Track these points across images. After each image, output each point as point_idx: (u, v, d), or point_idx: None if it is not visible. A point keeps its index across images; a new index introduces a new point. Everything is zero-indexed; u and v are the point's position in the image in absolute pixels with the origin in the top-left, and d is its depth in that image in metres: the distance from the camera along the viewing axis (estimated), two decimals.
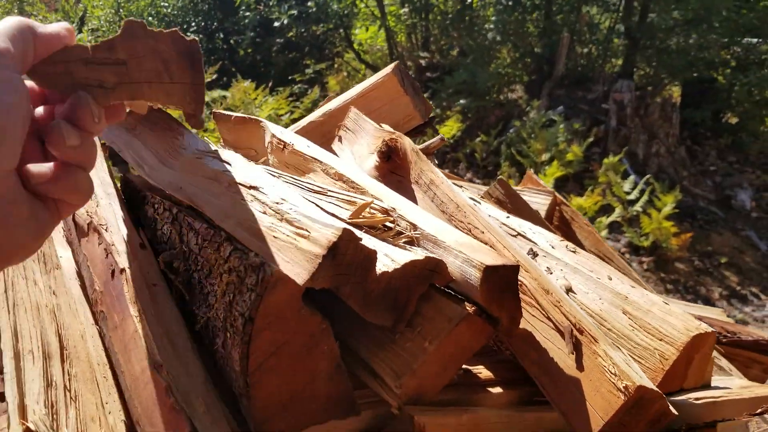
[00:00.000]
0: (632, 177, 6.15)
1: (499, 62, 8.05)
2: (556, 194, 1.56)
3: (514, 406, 0.90)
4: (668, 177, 6.84)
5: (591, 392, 0.80)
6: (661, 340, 0.90)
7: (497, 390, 0.94)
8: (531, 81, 8.48)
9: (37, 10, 8.39)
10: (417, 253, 0.84)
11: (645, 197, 5.78)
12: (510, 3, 7.71)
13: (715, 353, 1.43)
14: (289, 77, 8.28)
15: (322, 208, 0.89)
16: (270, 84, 7.04)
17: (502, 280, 0.84)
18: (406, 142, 1.13)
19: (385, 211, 0.92)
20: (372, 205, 0.92)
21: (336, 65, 9.46)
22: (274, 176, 0.99)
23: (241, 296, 0.78)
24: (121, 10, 8.29)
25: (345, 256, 0.76)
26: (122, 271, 0.93)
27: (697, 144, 8.04)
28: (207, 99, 7.54)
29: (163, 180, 1.03)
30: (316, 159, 1.11)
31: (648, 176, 6.10)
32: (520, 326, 0.88)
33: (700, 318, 1.06)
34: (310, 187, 0.98)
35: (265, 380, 0.77)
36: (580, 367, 0.82)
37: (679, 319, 0.92)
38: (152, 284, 0.95)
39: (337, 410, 0.82)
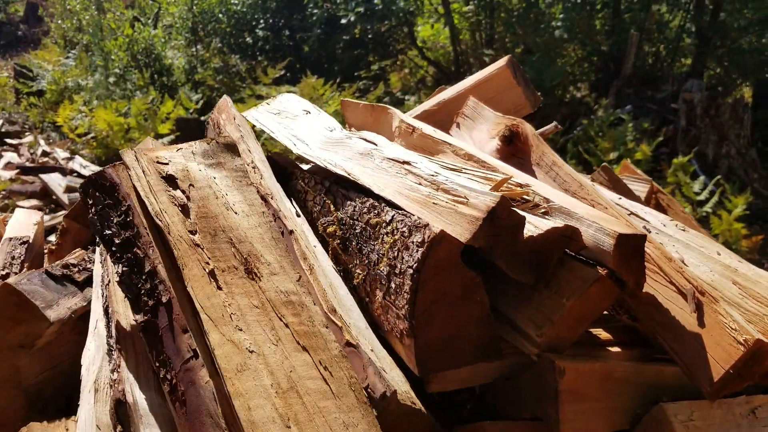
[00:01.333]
0: (702, 178, 6.11)
1: (565, 60, 8.06)
2: (653, 183, 1.66)
3: (636, 360, 1.02)
4: (738, 178, 6.76)
5: (712, 345, 0.91)
6: None
7: (616, 349, 1.06)
8: (597, 80, 8.46)
9: (115, 7, 8.78)
10: (556, 222, 0.97)
11: (715, 198, 5.74)
12: (578, 1, 7.72)
13: None
14: (354, 74, 8.46)
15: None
16: (338, 80, 7.23)
17: (631, 247, 0.95)
18: (528, 128, 1.26)
19: (521, 186, 1.05)
20: (509, 181, 1.05)
21: (399, 62, 9.60)
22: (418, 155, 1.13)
23: (407, 252, 0.92)
24: (194, 7, 8.60)
25: (500, 219, 0.89)
26: (291, 232, 1.09)
27: None
28: (276, 93, 7.77)
29: (319, 156, 1.18)
30: (445, 141, 1.25)
31: (718, 177, 6.05)
32: (644, 290, 1.00)
33: None
34: (446, 165, 1.11)
35: (427, 323, 0.91)
36: (701, 324, 0.93)
37: None
38: (313, 246, 1.10)
39: (485, 354, 0.96)
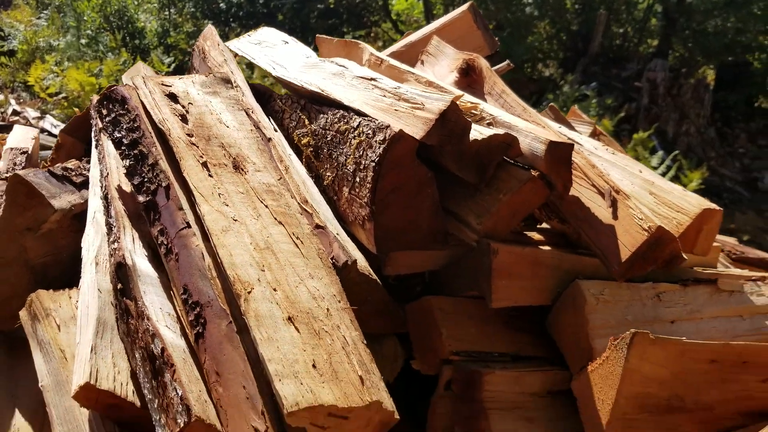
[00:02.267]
0: (660, 153, 6.38)
1: (535, 37, 8.24)
2: (596, 125, 1.85)
3: (561, 249, 1.21)
4: (696, 156, 7.04)
5: (622, 233, 1.10)
6: (678, 211, 1.20)
7: (546, 247, 1.25)
8: (566, 57, 8.67)
9: None
10: (498, 130, 1.15)
11: (671, 173, 6.01)
12: None
13: (726, 261, 1.73)
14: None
15: None
16: (313, 48, 7.30)
17: (561, 154, 1.14)
18: (482, 61, 1.44)
19: (472, 103, 1.22)
20: (461, 98, 1.22)
21: (373, 34, 9.68)
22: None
23: (371, 150, 1.09)
24: None
25: (450, 122, 1.06)
26: (269, 140, 1.25)
27: (727, 126, 8.20)
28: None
29: (296, 77, 1.34)
30: (409, 71, 1.42)
31: (676, 152, 6.32)
32: (571, 192, 1.18)
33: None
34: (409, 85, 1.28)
35: (385, 209, 1.08)
36: (614, 216, 1.12)
37: (694, 198, 1.22)
38: (288, 153, 1.26)
39: (434, 241, 1.14)
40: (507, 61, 1.62)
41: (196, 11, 9.24)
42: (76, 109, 7.05)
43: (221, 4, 9.25)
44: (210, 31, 1.57)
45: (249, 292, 0.93)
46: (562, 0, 8.27)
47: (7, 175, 1.38)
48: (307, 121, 1.30)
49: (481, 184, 1.15)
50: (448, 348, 1.11)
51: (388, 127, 1.07)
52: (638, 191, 1.26)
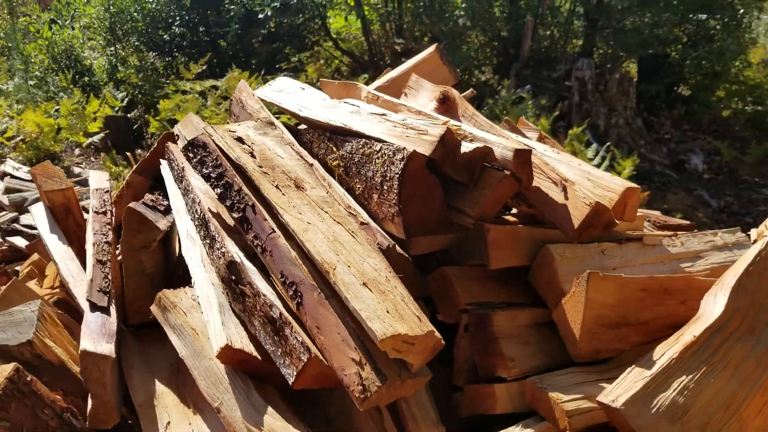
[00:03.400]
0: (594, 145, 7.02)
1: (469, 46, 8.85)
2: (541, 131, 2.37)
3: (531, 226, 1.70)
4: (627, 145, 7.74)
5: (572, 209, 1.60)
6: (608, 191, 1.71)
7: (520, 225, 1.74)
8: (499, 63, 9.31)
9: (31, 10, 8.94)
10: (479, 144, 1.63)
11: (606, 162, 6.65)
12: None
13: (651, 228, 2.25)
14: (277, 66, 8.96)
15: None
16: (262, 73, 7.74)
17: (524, 158, 1.63)
18: (455, 92, 1.93)
19: (456, 126, 1.71)
20: (449, 123, 1.70)
21: (315, 53, 10.14)
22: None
23: (393, 165, 1.56)
24: (111, 7, 8.89)
25: (447, 142, 1.54)
26: (311, 165, 1.71)
27: (653, 115, 8.97)
28: (200, 88, 8.22)
29: (318, 116, 1.80)
30: (402, 104, 1.90)
31: (608, 144, 6.97)
32: (533, 184, 1.68)
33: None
34: (409, 116, 1.76)
35: (408, 207, 1.55)
36: (566, 198, 1.62)
37: (619, 181, 1.73)
38: (325, 174, 1.72)
39: (443, 227, 1.61)
40: (471, 89, 2.11)
41: (140, 45, 9.52)
42: (37, 151, 7.32)
43: (164, 36, 9.56)
44: (243, 84, 2.02)
45: (334, 269, 1.38)
46: (492, 9, 8.90)
47: (103, 210, 1.79)
48: (335, 148, 1.76)
49: (471, 183, 1.63)
50: (463, 301, 1.59)
51: (404, 148, 1.55)
52: (579, 179, 1.76)
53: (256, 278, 1.46)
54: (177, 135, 1.98)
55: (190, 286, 1.60)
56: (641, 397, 1.31)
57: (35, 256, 2.19)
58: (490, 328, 1.54)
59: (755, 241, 1.58)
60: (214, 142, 1.65)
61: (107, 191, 1.90)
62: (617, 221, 1.64)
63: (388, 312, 1.32)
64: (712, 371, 1.37)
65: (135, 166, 1.99)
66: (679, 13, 8.76)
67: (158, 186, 2.01)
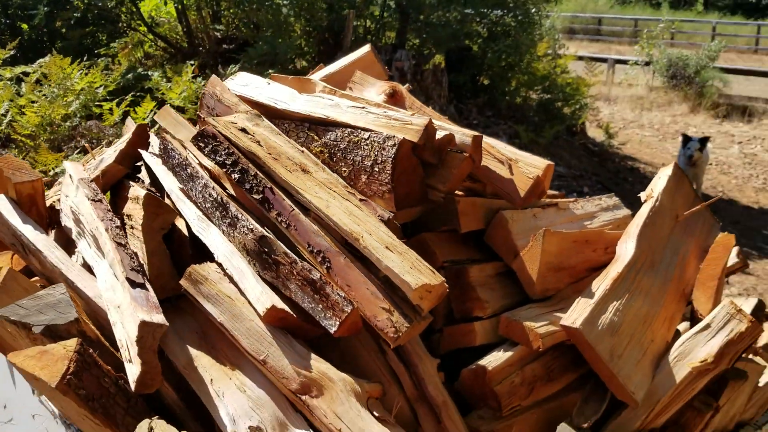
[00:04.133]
0: None
1: (294, 36, 9.13)
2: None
3: (487, 197, 2.12)
4: None
5: (517, 182, 2.04)
6: (535, 167, 2.17)
7: (477, 197, 2.14)
8: (321, 52, 9.70)
9: None
10: (448, 131, 2.01)
11: None
12: None
13: None
14: (95, 51, 8.61)
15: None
16: (84, 58, 7.47)
17: (478, 141, 2.04)
18: (401, 87, 2.28)
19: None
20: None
21: (130, 39, 9.83)
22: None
23: (384, 151, 1.88)
24: None
25: (429, 130, 1.90)
26: (302, 151, 1.97)
27: (461, 103, 9.91)
28: (11, 75, 7.73)
29: (298, 108, 2.07)
30: (360, 98, 2.21)
31: None
32: (482, 163, 2.09)
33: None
34: (385, 108, 2.08)
35: (398, 185, 1.89)
36: (511, 173, 2.06)
37: (540, 159, 2.20)
38: (315, 160, 1.99)
39: (422, 200, 1.97)
40: (407, 84, 2.47)
41: None
42: None
43: None
44: (215, 79, 2.20)
45: (362, 237, 1.69)
46: (313, 2, 9.25)
47: (99, 198, 1.91)
48: (316, 137, 2.04)
49: (439, 164, 2.01)
50: (441, 260, 1.97)
51: (394, 136, 1.88)
52: (513, 158, 2.21)
53: (287, 250, 1.72)
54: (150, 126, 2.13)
55: (210, 262, 1.81)
56: (590, 319, 1.78)
57: None
58: (466, 278, 1.94)
59: (645, 201, 2.12)
60: (221, 132, 1.86)
61: (92, 180, 2.01)
62: (546, 190, 2.11)
63: (411, 268, 1.66)
64: (633, 296, 1.89)
65: (116, 155, 2.10)
66: (478, 9, 9.73)
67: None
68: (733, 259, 2.52)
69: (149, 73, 8.65)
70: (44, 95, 7.18)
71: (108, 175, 2.10)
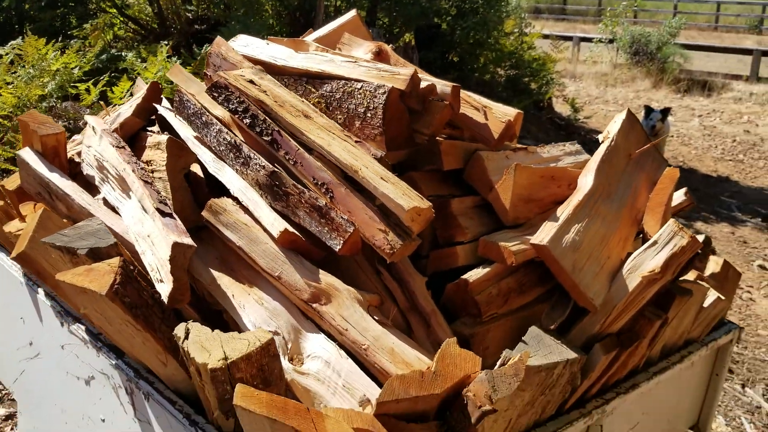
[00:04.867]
0: None
1: (266, 15, 9.33)
2: None
3: (465, 141, 2.42)
4: None
5: (492, 126, 2.35)
6: (507, 114, 2.47)
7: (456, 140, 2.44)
8: (292, 33, 9.91)
9: None
10: (429, 82, 2.29)
11: None
12: None
13: None
14: (68, 33, 8.73)
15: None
16: (59, 39, 7.61)
17: (456, 91, 2.33)
18: (387, 47, 2.56)
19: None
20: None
21: (102, 21, 9.93)
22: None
23: (375, 98, 2.17)
24: None
25: (414, 80, 2.19)
26: (302, 101, 2.24)
27: None
28: None
29: (296, 64, 2.34)
30: (352, 56, 2.49)
31: None
32: (461, 111, 2.39)
33: None
34: (374, 62, 2.36)
35: (388, 129, 2.18)
36: (486, 119, 2.36)
37: (511, 108, 2.50)
38: (314, 108, 2.27)
39: (408, 143, 2.26)
40: (392, 45, 2.75)
41: None
42: None
43: None
44: (221, 39, 2.46)
45: (360, 170, 1.98)
46: None
47: (121, 144, 2.17)
48: (313, 89, 2.32)
49: (423, 111, 2.30)
50: (426, 194, 2.26)
51: (384, 85, 2.17)
52: (487, 106, 2.51)
53: (295, 182, 2.00)
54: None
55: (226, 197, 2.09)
56: (555, 237, 2.09)
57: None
58: (449, 209, 2.24)
59: (602, 142, 2.44)
60: (231, 84, 2.12)
61: (114, 130, 2.26)
62: (516, 134, 2.42)
63: (403, 194, 1.96)
64: (591, 220, 2.20)
65: (133, 109, 2.35)
66: None
67: None
68: (681, 197, 2.87)
69: (123, 53, 8.79)
70: (20, 76, 7.29)
71: (126, 127, 2.36)
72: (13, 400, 4.32)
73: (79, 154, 2.44)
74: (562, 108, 12.03)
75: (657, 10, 24.98)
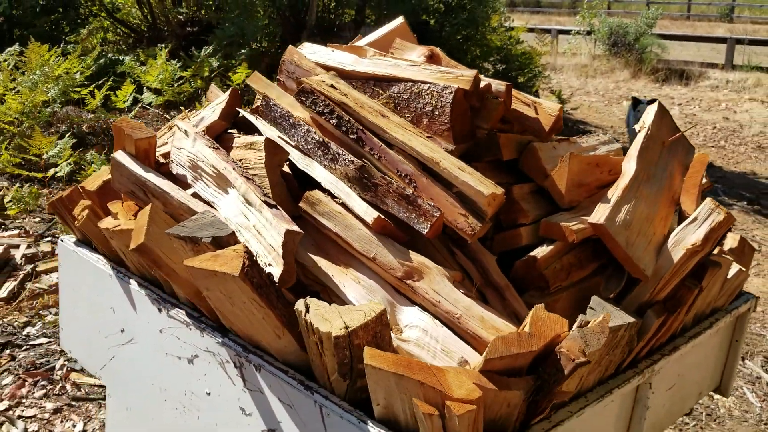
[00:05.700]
0: None
1: (259, 16, 9.55)
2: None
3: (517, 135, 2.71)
4: None
5: (542, 119, 2.64)
6: (552, 109, 2.76)
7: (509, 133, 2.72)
8: (285, 33, 10.14)
9: None
10: (490, 80, 2.58)
11: None
12: None
13: None
14: (65, 38, 8.88)
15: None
16: (61, 45, 7.79)
17: (510, 89, 2.61)
18: (438, 50, 2.84)
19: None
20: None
21: (95, 26, 10.09)
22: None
23: (442, 98, 2.44)
24: None
25: (476, 80, 2.47)
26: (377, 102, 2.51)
27: None
28: None
29: (364, 69, 2.61)
30: (409, 59, 2.76)
31: None
32: (512, 107, 2.68)
33: None
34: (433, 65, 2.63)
35: (454, 124, 2.45)
36: (536, 113, 2.65)
37: (554, 103, 2.79)
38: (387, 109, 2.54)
39: (472, 137, 2.54)
40: (438, 48, 3.03)
41: None
42: None
43: None
44: (293, 48, 2.72)
45: (440, 161, 2.25)
46: None
47: (216, 146, 2.42)
48: (380, 91, 2.59)
49: (482, 107, 2.58)
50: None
51: (450, 86, 2.44)
52: (536, 101, 2.80)
53: (382, 174, 2.27)
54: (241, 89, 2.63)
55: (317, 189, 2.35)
56: (610, 216, 2.38)
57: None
58: (511, 194, 2.53)
59: (639, 131, 2.74)
60: (316, 88, 2.39)
61: (202, 137, 2.52)
62: (561, 127, 2.72)
63: (480, 182, 2.24)
64: (637, 201, 2.50)
65: (219, 114, 2.60)
66: None
67: None
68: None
69: (120, 57, 8.97)
70: (23, 82, 7.45)
71: (211, 131, 2.60)
72: (59, 394, 4.54)
73: (162, 155, 2.69)
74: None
75: (630, 1, 25.58)
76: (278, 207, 2.22)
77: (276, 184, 2.32)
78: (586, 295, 2.40)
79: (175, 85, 8.26)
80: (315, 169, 2.37)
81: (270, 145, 2.33)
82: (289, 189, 2.42)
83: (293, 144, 2.46)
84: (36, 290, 5.51)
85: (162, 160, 2.69)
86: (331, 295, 2.22)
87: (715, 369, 3.29)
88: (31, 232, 6.03)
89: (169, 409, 2.55)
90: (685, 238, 2.48)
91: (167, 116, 8.15)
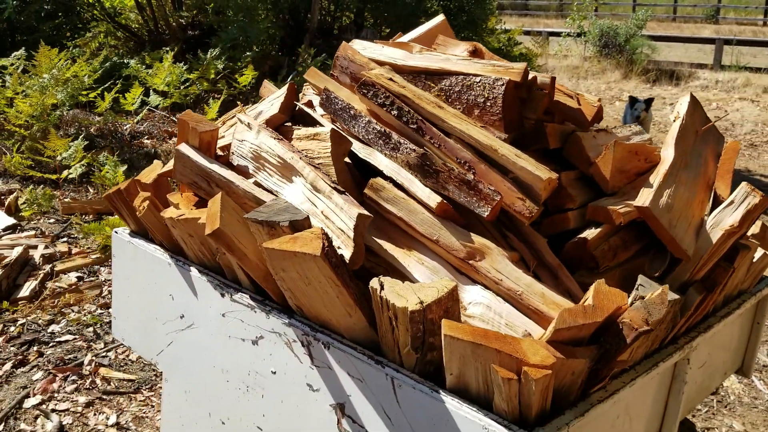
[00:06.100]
0: None
1: (262, 19, 9.68)
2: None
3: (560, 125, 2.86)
4: None
5: (584, 110, 2.79)
6: (593, 100, 2.91)
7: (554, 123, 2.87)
8: (286, 35, 10.27)
9: None
10: (533, 75, 2.72)
11: None
12: None
13: None
14: (72, 41, 8.96)
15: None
16: (70, 49, 7.87)
17: (554, 81, 2.76)
18: (480, 45, 2.99)
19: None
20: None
21: (97, 31, 10.17)
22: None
23: (493, 90, 2.59)
24: None
25: (526, 73, 2.62)
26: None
27: None
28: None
29: (416, 63, 2.75)
30: (455, 54, 2.90)
31: None
32: (555, 98, 2.82)
33: None
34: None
35: (505, 114, 2.60)
36: (579, 104, 2.79)
37: (591, 96, 2.95)
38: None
39: (520, 126, 2.69)
40: (478, 43, 3.18)
41: None
42: None
43: None
44: (345, 44, 2.85)
45: (498, 149, 2.40)
46: None
47: (278, 137, 2.55)
48: (432, 84, 2.72)
49: (528, 99, 2.73)
50: None
51: (501, 78, 2.59)
52: (579, 93, 2.95)
53: (444, 163, 2.41)
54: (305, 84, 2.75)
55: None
56: (654, 200, 2.54)
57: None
58: (558, 180, 2.67)
59: (674, 121, 2.90)
60: (376, 81, 2.53)
61: (265, 129, 2.64)
62: (602, 117, 2.87)
63: (536, 168, 2.38)
64: (677, 186, 2.66)
65: (278, 107, 2.73)
66: None
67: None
68: None
69: (125, 61, 9.05)
70: (33, 86, 7.53)
71: (271, 123, 2.73)
72: (89, 389, 4.62)
73: (222, 148, 2.81)
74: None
75: (617, 3, 25.95)
76: (346, 193, 2.35)
77: (341, 172, 2.45)
78: (630, 274, 2.55)
79: (182, 87, 8.36)
80: (377, 158, 2.51)
81: (336, 135, 2.46)
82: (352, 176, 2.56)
83: (354, 134, 2.59)
84: (57, 289, 5.59)
85: (220, 153, 2.81)
86: (397, 275, 2.36)
87: (738, 350, 3.45)
88: (47, 233, 6.11)
89: (231, 389, 2.67)
90: (723, 221, 2.64)
91: (173, 118, 8.25)
